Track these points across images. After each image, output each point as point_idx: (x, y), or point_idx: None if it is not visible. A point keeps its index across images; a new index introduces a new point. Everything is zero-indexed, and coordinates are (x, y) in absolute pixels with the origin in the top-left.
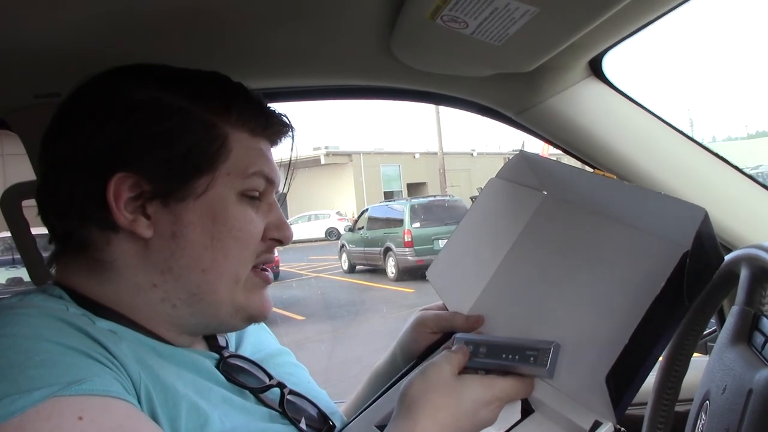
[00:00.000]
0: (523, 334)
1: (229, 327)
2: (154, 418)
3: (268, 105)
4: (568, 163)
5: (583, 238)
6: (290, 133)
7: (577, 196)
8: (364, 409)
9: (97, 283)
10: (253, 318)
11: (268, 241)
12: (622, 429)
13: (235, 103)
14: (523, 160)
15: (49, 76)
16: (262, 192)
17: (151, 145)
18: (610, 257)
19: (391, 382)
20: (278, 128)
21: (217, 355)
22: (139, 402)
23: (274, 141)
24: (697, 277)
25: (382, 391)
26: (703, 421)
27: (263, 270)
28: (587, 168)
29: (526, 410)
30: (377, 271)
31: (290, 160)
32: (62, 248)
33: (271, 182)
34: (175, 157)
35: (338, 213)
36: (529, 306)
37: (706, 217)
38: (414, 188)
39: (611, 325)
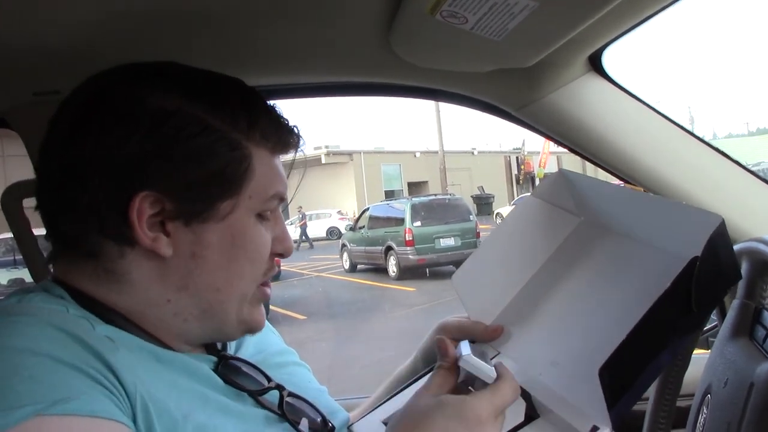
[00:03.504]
0: (539, 352)
1: (230, 338)
2: (150, 428)
3: (275, 108)
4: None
5: (612, 264)
6: (300, 145)
7: (610, 216)
8: (377, 407)
9: (105, 290)
10: (251, 330)
11: (272, 256)
12: None
13: (259, 120)
14: (561, 178)
15: (49, 73)
16: (273, 209)
17: (178, 164)
18: (636, 283)
19: (407, 383)
20: (293, 142)
21: (215, 358)
22: (135, 413)
23: (285, 153)
24: (709, 286)
25: (396, 390)
26: (704, 415)
27: (264, 284)
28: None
29: (530, 416)
30: (378, 270)
31: (293, 164)
32: (68, 251)
33: (283, 200)
34: (201, 179)
35: (339, 212)
36: (549, 328)
37: (721, 225)
38: (415, 187)
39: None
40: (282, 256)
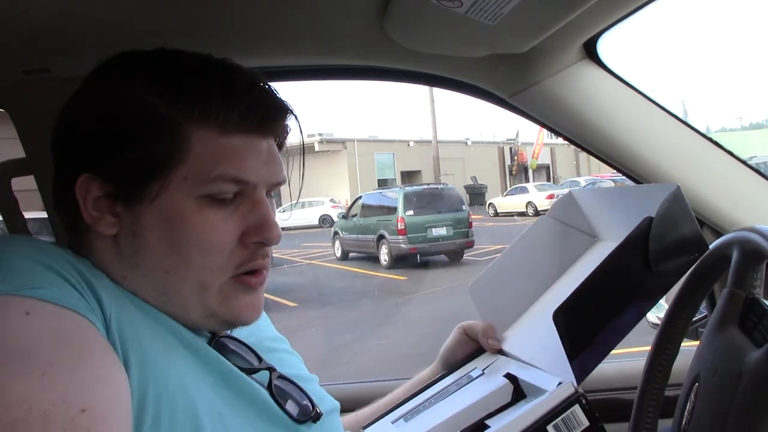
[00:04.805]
0: (534, 342)
1: (208, 329)
2: (124, 345)
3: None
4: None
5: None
6: (286, 119)
7: (606, 224)
8: (391, 410)
9: (92, 260)
10: (231, 323)
11: (251, 245)
12: (581, 391)
13: (203, 95)
14: (571, 199)
15: (39, 52)
16: (240, 192)
17: (115, 146)
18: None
19: (422, 387)
20: (262, 118)
21: (208, 333)
22: (108, 329)
23: (262, 133)
24: (668, 246)
25: (412, 394)
26: (692, 404)
27: (247, 273)
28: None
29: (518, 395)
30: (370, 258)
31: (302, 145)
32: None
33: (244, 183)
34: (133, 160)
35: (332, 200)
36: (544, 321)
37: (677, 191)
38: (408, 176)
39: None
40: (263, 244)
